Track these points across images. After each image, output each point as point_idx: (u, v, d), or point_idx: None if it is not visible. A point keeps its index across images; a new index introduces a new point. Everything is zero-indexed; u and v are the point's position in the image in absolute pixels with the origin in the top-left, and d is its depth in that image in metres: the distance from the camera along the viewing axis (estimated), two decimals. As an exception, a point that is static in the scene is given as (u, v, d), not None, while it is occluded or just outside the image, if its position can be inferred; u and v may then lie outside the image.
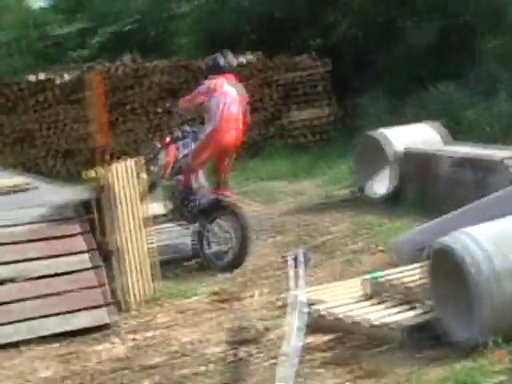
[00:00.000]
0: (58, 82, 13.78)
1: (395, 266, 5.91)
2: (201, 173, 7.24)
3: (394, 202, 9.21)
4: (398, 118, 12.36)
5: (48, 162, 13.82)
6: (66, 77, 13.85)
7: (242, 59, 14.67)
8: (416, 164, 9.22)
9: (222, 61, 7.18)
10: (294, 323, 4.14)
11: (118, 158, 6.77)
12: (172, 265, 7.01)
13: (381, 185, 9.70)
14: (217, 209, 6.86)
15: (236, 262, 6.69)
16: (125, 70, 14.01)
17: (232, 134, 6.98)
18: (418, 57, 15.43)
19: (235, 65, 7.48)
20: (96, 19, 17.70)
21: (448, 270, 4.37)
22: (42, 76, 13.95)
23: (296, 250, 6.56)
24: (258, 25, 16.75)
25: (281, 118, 14.78)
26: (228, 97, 6.99)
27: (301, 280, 5.14)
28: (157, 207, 8.88)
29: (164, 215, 7.91)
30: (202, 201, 6.91)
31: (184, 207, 6.98)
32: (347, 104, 14.94)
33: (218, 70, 7.15)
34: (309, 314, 4.92)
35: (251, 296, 6.04)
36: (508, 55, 14.03)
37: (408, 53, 15.55)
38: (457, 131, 10.96)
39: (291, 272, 5.61)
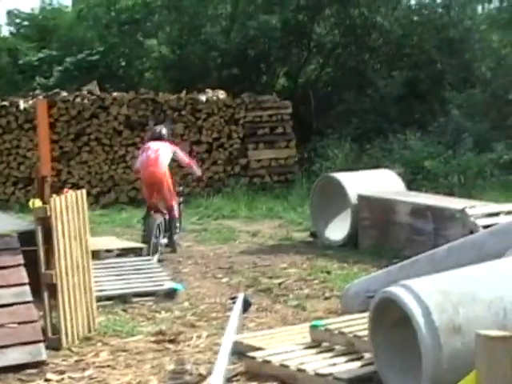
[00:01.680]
0: (21, 107, 13.57)
1: (346, 313, 5.82)
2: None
3: (350, 247, 9.22)
4: (360, 162, 12.46)
5: (7, 189, 13.54)
6: (26, 104, 13.66)
7: (210, 95, 14.72)
8: (374, 210, 9.16)
9: (163, 131, 9.63)
10: (220, 369, 3.94)
11: (70, 188, 6.60)
12: (113, 302, 6.79)
13: (338, 229, 9.66)
14: None
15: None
16: (83, 101, 13.86)
17: (149, 170, 9.10)
18: (386, 103, 15.56)
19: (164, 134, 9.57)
20: (63, 48, 17.59)
21: (390, 322, 4.22)
22: (5, 101, 13.73)
23: (238, 293, 6.36)
24: (230, 60, 16.83)
25: (245, 156, 14.82)
26: (147, 149, 9.31)
27: (230, 325, 4.93)
28: (111, 241, 8.74)
29: (121, 249, 7.91)
30: None
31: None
32: (310, 146, 15.03)
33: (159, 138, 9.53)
34: (244, 359, 4.74)
35: (194, 338, 5.80)
36: (474, 108, 14.16)
37: (376, 98, 15.68)
38: (418, 179, 10.98)
39: (230, 315, 5.40)
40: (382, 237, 8.94)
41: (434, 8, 16.84)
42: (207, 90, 15.00)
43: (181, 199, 9.90)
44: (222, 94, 14.83)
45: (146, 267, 7.59)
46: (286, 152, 15.02)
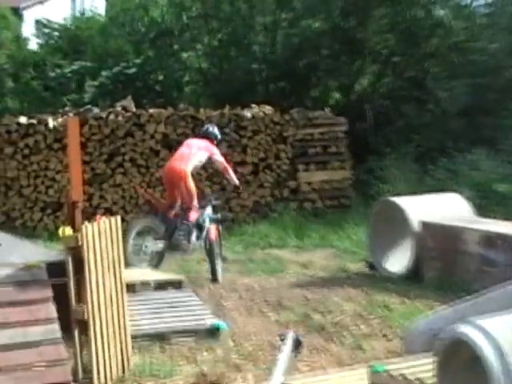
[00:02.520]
0: (51, 125, 13.66)
1: (409, 354, 5.75)
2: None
3: (412, 280, 9.15)
4: (422, 184, 12.32)
5: (34, 215, 13.62)
6: (55, 122, 13.75)
7: (255, 111, 14.65)
8: (439, 238, 9.09)
9: (210, 128, 10.22)
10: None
11: (103, 214, 6.64)
12: (150, 340, 6.80)
13: (398, 260, 9.62)
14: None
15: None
16: (117, 118, 13.91)
17: (171, 165, 9.63)
18: (448, 117, 15.38)
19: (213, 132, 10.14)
20: (97, 60, 17.76)
21: (459, 364, 4.16)
22: (33, 119, 13.82)
23: (287, 330, 6.33)
24: (277, 73, 16.80)
25: (294, 178, 14.74)
26: (185, 145, 9.91)
27: (279, 367, 4.90)
28: (148, 273, 8.80)
29: (158, 282, 7.99)
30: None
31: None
32: (366, 166, 14.89)
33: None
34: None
35: (238, 380, 5.78)
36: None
37: (438, 112, 15.53)
38: (487, 204, 10.83)
39: (279, 356, 5.37)
40: (448, 268, 8.87)
41: (504, 7, 16.47)
42: (252, 105, 15.02)
43: (219, 226, 9.93)
44: (268, 110, 14.80)
45: (186, 302, 7.60)
46: (339, 173, 14.93)
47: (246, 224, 13.62)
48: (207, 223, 9.63)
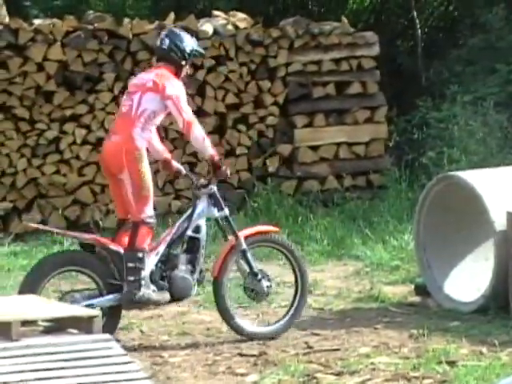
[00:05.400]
0: None
1: None
2: None
3: (494, 315, 9.24)
4: (509, 149, 12.27)
5: None
6: None
7: (220, 23, 14.71)
8: None
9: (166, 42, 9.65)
10: None
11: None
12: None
13: (469, 280, 9.76)
14: None
15: None
16: None
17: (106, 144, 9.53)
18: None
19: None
20: None
21: None
22: None
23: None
24: None
25: (289, 139, 14.89)
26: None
27: None
28: (34, 304, 8.70)
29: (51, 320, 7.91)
30: None
31: None
32: (416, 119, 14.94)
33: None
34: None
35: None
36: None
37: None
38: None
39: None
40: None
41: None
42: (215, 12, 15.06)
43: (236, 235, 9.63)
44: (243, 21, 14.82)
45: (97, 356, 7.49)
46: (368, 131, 14.96)
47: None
48: (205, 232, 9.34)
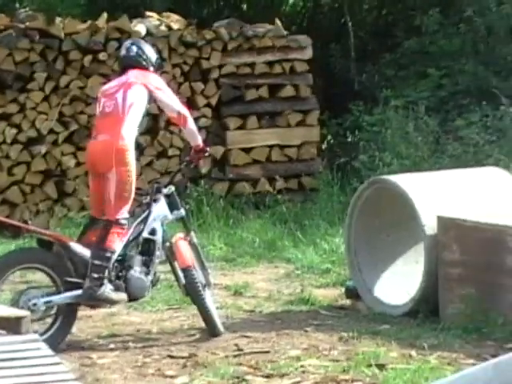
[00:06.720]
0: None
1: None
2: None
3: (423, 318, 9.29)
4: (443, 153, 12.30)
5: None
6: None
7: (153, 24, 14.73)
8: (471, 246, 9.20)
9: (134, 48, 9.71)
10: None
11: None
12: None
13: (399, 283, 9.80)
14: None
15: None
16: None
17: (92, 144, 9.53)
18: (497, 41, 15.56)
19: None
20: None
21: None
22: None
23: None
24: None
25: (221, 141, 15.01)
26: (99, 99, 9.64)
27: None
28: None
29: None
30: None
31: None
32: (348, 123, 15.00)
33: None
34: None
35: None
36: None
37: (480, 33, 15.69)
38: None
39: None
40: (486, 298, 8.95)
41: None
42: (148, 13, 15.14)
43: (191, 233, 9.60)
44: (176, 22, 14.93)
45: (29, 356, 7.44)
46: (300, 134, 15.06)
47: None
48: (160, 235, 9.34)
